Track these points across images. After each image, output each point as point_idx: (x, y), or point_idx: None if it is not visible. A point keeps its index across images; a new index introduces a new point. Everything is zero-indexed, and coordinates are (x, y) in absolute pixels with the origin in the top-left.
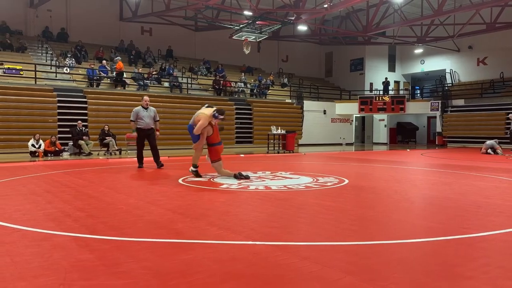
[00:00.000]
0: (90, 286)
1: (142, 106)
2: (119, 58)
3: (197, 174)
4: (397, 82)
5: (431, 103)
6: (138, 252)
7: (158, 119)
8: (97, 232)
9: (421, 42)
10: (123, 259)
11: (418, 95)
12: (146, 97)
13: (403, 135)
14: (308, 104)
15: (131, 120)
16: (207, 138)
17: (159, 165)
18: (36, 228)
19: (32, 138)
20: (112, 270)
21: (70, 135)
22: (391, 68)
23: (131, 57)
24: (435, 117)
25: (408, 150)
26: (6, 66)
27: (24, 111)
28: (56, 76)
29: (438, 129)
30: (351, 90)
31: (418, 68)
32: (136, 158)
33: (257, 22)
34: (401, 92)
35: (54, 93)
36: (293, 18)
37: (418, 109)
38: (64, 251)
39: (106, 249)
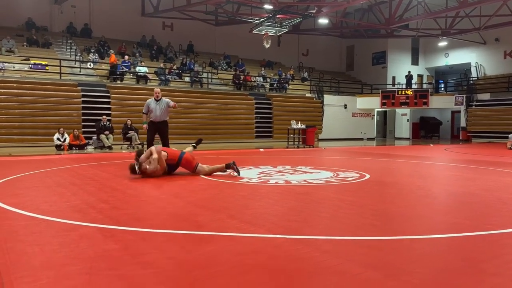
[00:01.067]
0: (116, 275)
1: (154, 98)
2: (111, 51)
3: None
4: (420, 76)
5: (456, 97)
6: (161, 243)
7: (172, 104)
8: (121, 223)
9: (446, 35)
10: (147, 250)
11: (442, 89)
12: (157, 89)
13: (426, 130)
14: (328, 99)
15: (143, 113)
16: (169, 160)
17: None
18: (62, 219)
19: (57, 132)
20: (136, 260)
21: (94, 129)
22: (414, 62)
23: (153, 52)
24: (459, 111)
25: (431, 145)
26: (32, 62)
27: (50, 105)
28: (80, 71)
29: (463, 123)
30: (372, 84)
31: (442, 61)
32: None
33: (277, 16)
34: (424, 86)
35: (78, 87)
36: (314, 11)
37: (442, 104)
38: (90, 241)
39: (130, 240)
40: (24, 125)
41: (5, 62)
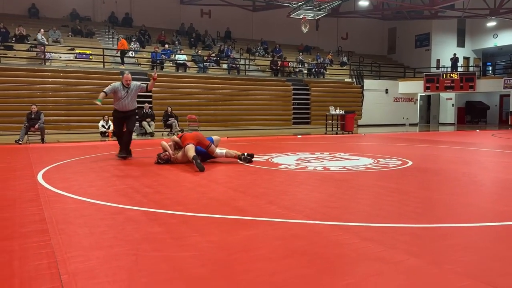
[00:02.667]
0: (160, 257)
1: (123, 84)
2: (121, 36)
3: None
4: (466, 58)
5: (505, 80)
6: (202, 227)
7: (145, 84)
8: (164, 207)
9: (494, 15)
10: (189, 233)
11: (490, 71)
12: (127, 75)
13: (472, 115)
14: (368, 83)
15: (104, 91)
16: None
17: (125, 153)
18: (109, 202)
19: (102, 119)
20: (179, 243)
21: (136, 116)
22: (460, 43)
23: (191, 40)
24: (508, 95)
25: (477, 130)
26: (77, 51)
27: (94, 93)
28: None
29: None
30: (415, 68)
31: (491, 42)
32: None
33: None
34: (470, 68)
35: (121, 76)
36: None
37: (489, 87)
38: (135, 224)
39: (173, 223)
40: (70, 113)
41: (52, 52)
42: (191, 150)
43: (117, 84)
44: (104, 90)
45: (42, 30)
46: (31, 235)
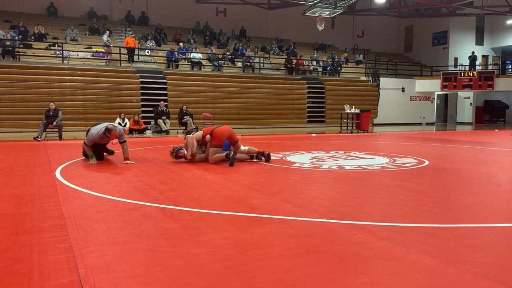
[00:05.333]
0: (176, 252)
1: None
2: (130, 33)
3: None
4: (485, 57)
5: None
6: (217, 224)
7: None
8: (179, 204)
9: None
10: (204, 230)
11: (510, 70)
12: (114, 132)
13: (491, 114)
14: (384, 82)
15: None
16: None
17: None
18: (126, 198)
19: (119, 117)
20: (195, 239)
21: (152, 114)
22: (479, 41)
23: (206, 38)
24: None
25: (496, 130)
26: (94, 50)
27: (111, 91)
28: (138, 59)
29: None
30: (433, 66)
31: (510, 40)
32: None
33: None
34: (489, 67)
35: (137, 74)
36: None
37: (509, 86)
38: (152, 220)
39: (189, 220)
40: (88, 111)
41: (70, 51)
42: (217, 158)
43: (98, 132)
44: (87, 144)
45: (107, 32)
46: (50, 230)
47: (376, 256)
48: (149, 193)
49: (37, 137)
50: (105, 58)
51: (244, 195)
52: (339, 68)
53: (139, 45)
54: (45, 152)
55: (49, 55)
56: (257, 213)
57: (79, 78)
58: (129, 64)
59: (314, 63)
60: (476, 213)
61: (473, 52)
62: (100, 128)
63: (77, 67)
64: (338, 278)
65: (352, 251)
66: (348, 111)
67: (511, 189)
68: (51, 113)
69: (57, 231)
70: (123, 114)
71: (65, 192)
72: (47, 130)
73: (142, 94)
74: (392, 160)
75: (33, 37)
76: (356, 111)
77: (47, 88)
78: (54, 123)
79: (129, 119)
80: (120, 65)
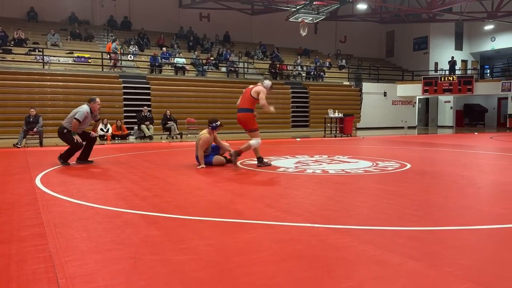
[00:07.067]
0: (159, 260)
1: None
2: (113, 37)
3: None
4: (464, 61)
5: (502, 83)
6: (201, 230)
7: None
8: (163, 211)
9: (492, 18)
10: (188, 236)
11: (488, 75)
12: (99, 102)
13: (470, 118)
14: (367, 86)
15: (77, 119)
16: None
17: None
18: (107, 206)
19: (101, 123)
20: (178, 246)
21: (135, 120)
22: (458, 47)
23: (190, 43)
24: (506, 98)
25: (476, 133)
26: (76, 55)
27: (93, 97)
28: (121, 64)
29: (510, 111)
30: (414, 71)
31: (488, 45)
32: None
33: (314, 3)
34: (468, 71)
35: (120, 79)
36: None
37: (487, 90)
38: (134, 227)
39: (172, 227)
40: None
41: (51, 56)
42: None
43: (86, 109)
44: (79, 119)
45: (117, 40)
46: (29, 239)
47: (360, 260)
48: (132, 199)
49: (17, 143)
50: (113, 65)
51: (228, 201)
52: (323, 73)
53: (121, 50)
54: (25, 159)
55: (29, 60)
56: (242, 218)
57: (61, 83)
58: (112, 69)
59: (298, 68)
60: (457, 216)
61: (452, 57)
62: (79, 109)
63: (58, 72)
64: (322, 283)
65: (336, 256)
66: (332, 115)
67: (491, 191)
68: (31, 119)
69: (36, 240)
70: (105, 120)
71: (45, 200)
72: (27, 136)
73: (125, 99)
74: (375, 164)
75: (12, 42)
76: (340, 115)
77: (27, 94)
78: (35, 129)
79: (111, 125)
80: (102, 70)
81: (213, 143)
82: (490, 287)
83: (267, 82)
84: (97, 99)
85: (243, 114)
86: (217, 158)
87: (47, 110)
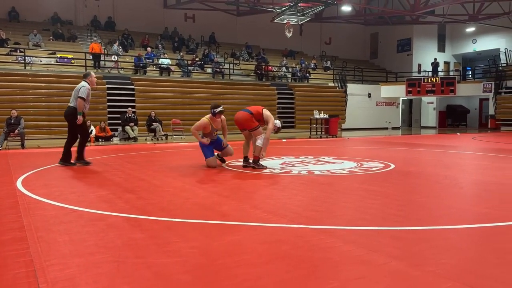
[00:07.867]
0: (143, 263)
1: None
2: (96, 38)
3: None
4: (447, 63)
5: (484, 84)
6: (186, 232)
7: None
8: (147, 213)
9: (473, 20)
10: (172, 239)
11: (470, 76)
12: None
13: (453, 119)
14: (352, 88)
15: (82, 97)
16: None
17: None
18: (90, 209)
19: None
20: (162, 249)
21: (119, 121)
22: (441, 48)
23: (175, 44)
24: (487, 99)
25: (458, 134)
26: (58, 55)
27: (87, 71)
28: (104, 64)
29: (491, 111)
30: (397, 72)
31: (470, 47)
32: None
33: (299, 4)
34: (451, 73)
35: (104, 80)
36: None
37: (469, 91)
38: (117, 230)
39: (156, 229)
40: (52, 118)
41: (33, 56)
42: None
43: (87, 85)
44: (83, 97)
45: (117, 41)
46: (9, 243)
47: (344, 261)
48: (115, 202)
49: None
50: (115, 67)
51: (213, 202)
52: (308, 74)
53: (105, 50)
54: (6, 161)
55: (10, 61)
56: (227, 220)
57: (43, 84)
58: (95, 70)
59: (284, 69)
60: (440, 216)
61: (435, 59)
62: (80, 87)
63: (40, 73)
64: (308, 284)
65: (321, 256)
66: (317, 116)
67: (473, 191)
68: (12, 121)
69: (17, 244)
70: (89, 121)
71: (26, 203)
72: (8, 138)
73: (109, 100)
74: (359, 164)
75: None
76: (325, 116)
77: (8, 95)
78: (16, 131)
79: (95, 127)
80: (86, 70)
81: (218, 136)
82: (473, 286)
83: (278, 122)
84: (92, 72)
85: (243, 113)
86: (209, 161)
87: (29, 112)
